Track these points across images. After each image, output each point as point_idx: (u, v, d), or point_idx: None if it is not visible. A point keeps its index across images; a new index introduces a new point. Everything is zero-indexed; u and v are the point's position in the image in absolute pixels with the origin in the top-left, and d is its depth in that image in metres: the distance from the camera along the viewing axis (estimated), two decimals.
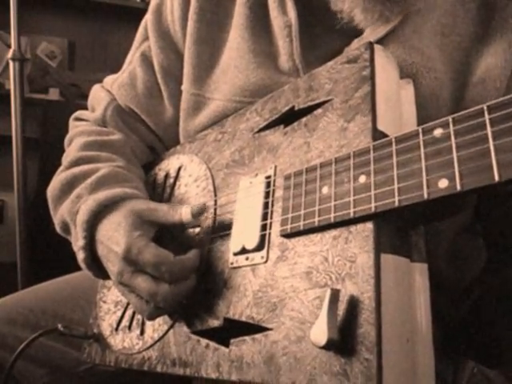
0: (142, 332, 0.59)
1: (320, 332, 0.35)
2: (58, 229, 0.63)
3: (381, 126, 0.41)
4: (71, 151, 0.66)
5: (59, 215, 0.61)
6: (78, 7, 2.03)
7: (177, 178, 0.65)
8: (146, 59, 0.70)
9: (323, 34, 0.57)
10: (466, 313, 0.65)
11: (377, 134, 0.40)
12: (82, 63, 2.10)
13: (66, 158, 0.65)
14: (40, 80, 1.92)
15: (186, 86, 0.65)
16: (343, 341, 0.35)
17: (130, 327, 0.61)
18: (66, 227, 0.61)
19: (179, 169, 0.65)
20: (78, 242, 0.56)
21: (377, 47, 0.44)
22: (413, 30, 0.52)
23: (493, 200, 0.58)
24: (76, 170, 0.61)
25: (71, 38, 2.08)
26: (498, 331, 0.62)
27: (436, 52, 0.52)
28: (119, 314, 0.64)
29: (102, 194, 0.56)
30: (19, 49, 1.33)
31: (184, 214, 0.52)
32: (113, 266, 0.52)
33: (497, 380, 0.61)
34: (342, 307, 0.37)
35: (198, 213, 0.52)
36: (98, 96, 0.73)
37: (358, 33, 0.54)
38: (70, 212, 0.58)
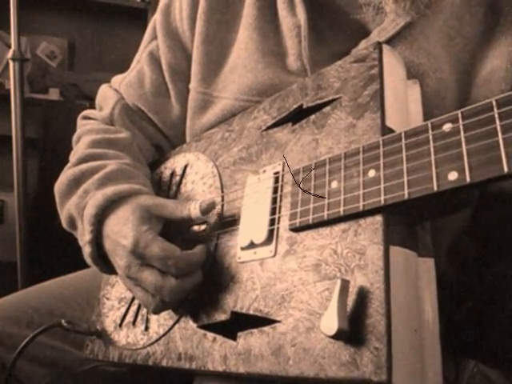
0: (147, 327, 0.59)
1: (330, 322, 0.36)
2: (64, 224, 0.64)
3: (389, 123, 0.42)
4: (79, 148, 0.67)
5: (66, 210, 0.61)
6: (78, 7, 2.03)
7: (183, 175, 0.66)
8: (153, 58, 0.70)
9: (331, 35, 0.58)
10: (467, 312, 0.66)
11: (385, 131, 0.41)
12: (82, 63, 2.10)
13: (74, 155, 0.66)
14: (40, 80, 1.92)
15: (193, 85, 0.66)
16: (353, 330, 0.36)
17: (134, 323, 0.61)
18: (72, 222, 0.61)
19: (185, 167, 0.66)
20: (84, 236, 0.57)
21: (385, 47, 0.45)
22: (420, 31, 0.53)
23: (490, 203, 0.59)
24: (83, 166, 0.62)
25: (71, 38, 2.09)
26: (498, 331, 0.63)
27: (442, 53, 0.53)
28: (123, 310, 0.64)
29: (110, 190, 0.56)
30: (19, 49, 1.33)
31: (193, 209, 0.53)
32: (120, 259, 0.52)
33: (497, 380, 0.62)
34: (351, 298, 0.38)
35: (207, 209, 0.53)
36: (106, 95, 0.74)
37: (365, 34, 0.55)
38: (77, 207, 0.59)
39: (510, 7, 0.53)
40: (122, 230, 0.52)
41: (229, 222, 0.54)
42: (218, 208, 0.56)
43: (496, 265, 0.62)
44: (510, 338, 0.61)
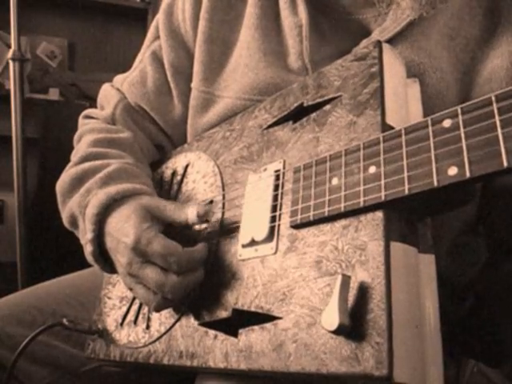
0: (148, 326, 0.59)
1: (331, 317, 0.36)
2: (65, 223, 0.64)
3: (389, 121, 0.42)
4: (81, 148, 0.67)
5: (68, 209, 0.62)
6: (78, 7, 2.04)
7: (184, 175, 0.66)
8: (156, 58, 0.71)
9: (332, 35, 0.59)
10: (467, 312, 0.66)
11: (386, 128, 0.41)
12: (82, 63, 2.11)
13: (76, 155, 0.66)
14: (40, 80, 1.93)
15: (195, 84, 0.67)
16: (354, 326, 0.36)
17: (135, 322, 0.61)
18: (74, 221, 0.61)
19: (187, 166, 0.66)
20: (86, 235, 0.57)
21: (385, 45, 0.46)
22: (421, 31, 0.53)
23: (496, 199, 0.59)
24: (86, 165, 0.62)
25: (71, 38, 2.09)
26: (498, 331, 0.63)
27: (443, 53, 0.54)
28: (124, 309, 0.64)
29: (113, 189, 0.56)
30: (19, 49, 1.33)
31: (190, 214, 0.53)
32: (122, 256, 0.52)
33: (497, 380, 0.62)
34: (352, 293, 0.38)
35: (204, 214, 0.53)
36: (108, 94, 0.74)
37: (366, 34, 0.56)
38: (79, 205, 0.59)
39: (509, 8, 0.53)
40: (123, 227, 0.53)
41: (230, 220, 0.54)
42: (219, 206, 0.57)
43: (503, 263, 0.62)
44: (510, 338, 0.61)
